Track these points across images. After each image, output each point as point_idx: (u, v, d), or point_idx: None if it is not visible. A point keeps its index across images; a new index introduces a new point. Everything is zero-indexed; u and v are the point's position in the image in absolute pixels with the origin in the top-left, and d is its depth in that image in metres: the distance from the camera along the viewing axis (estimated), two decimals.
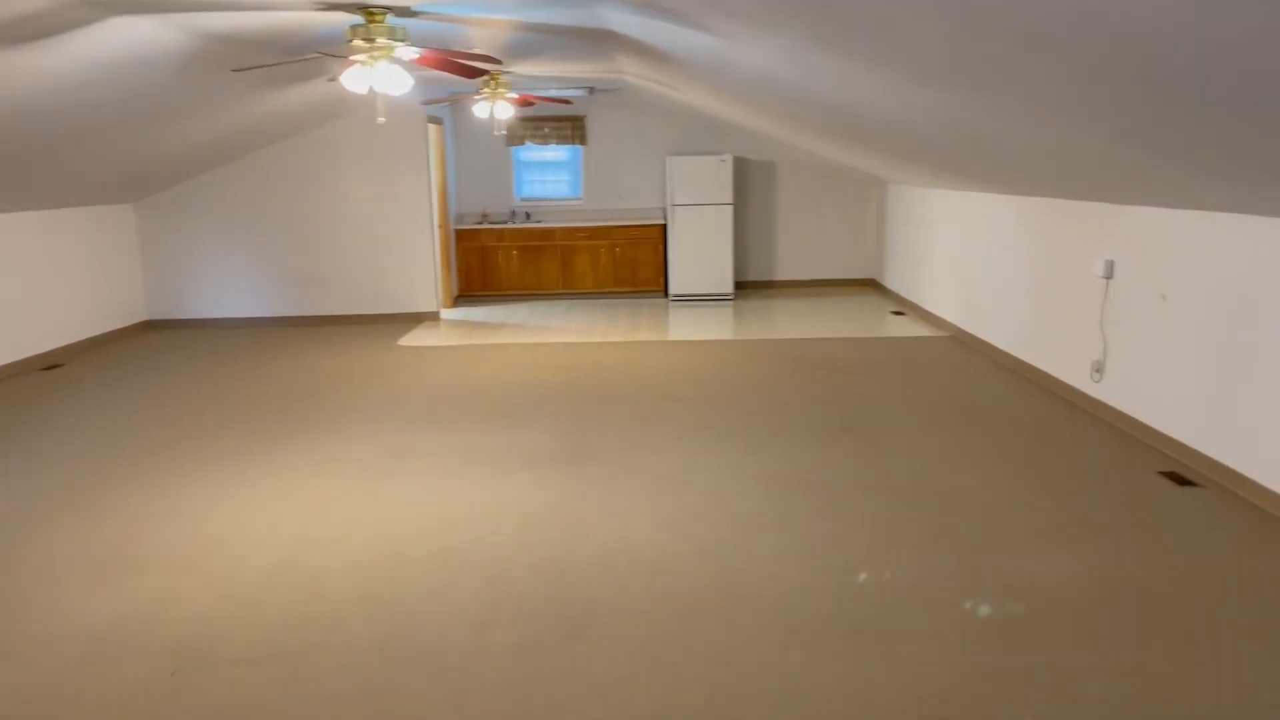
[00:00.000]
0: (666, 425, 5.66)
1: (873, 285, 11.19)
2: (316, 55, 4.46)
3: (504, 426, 5.72)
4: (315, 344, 8.53)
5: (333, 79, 5.27)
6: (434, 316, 9.64)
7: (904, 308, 9.72)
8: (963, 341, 7.97)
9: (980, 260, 7.63)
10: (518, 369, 7.33)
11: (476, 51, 4.34)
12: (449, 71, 4.62)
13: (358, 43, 4.32)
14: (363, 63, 4.37)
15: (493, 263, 10.71)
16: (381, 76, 4.37)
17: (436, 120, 9.88)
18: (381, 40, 4.30)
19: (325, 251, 9.48)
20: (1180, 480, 4.54)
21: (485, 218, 11.01)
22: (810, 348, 7.92)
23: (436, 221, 10.12)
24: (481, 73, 4.89)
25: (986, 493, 4.45)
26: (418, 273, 9.55)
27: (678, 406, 6.09)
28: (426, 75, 7.89)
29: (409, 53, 4.41)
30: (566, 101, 8.07)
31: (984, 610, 3.31)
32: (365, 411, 6.15)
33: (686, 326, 9.07)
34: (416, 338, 8.73)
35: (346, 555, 3.92)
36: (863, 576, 3.59)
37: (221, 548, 4.02)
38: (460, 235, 10.67)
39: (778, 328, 8.91)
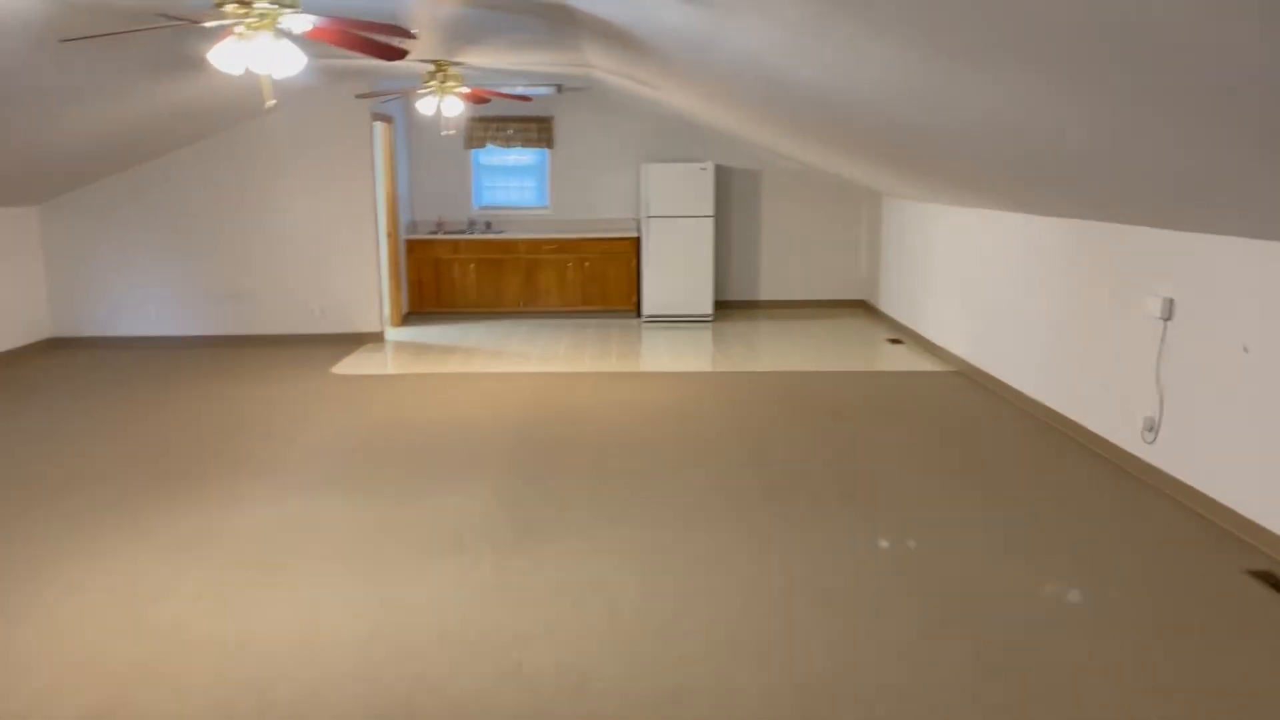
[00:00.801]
0: (632, 492, 4.66)
1: (864, 308, 10.25)
2: (166, 22, 3.43)
3: (435, 489, 4.69)
4: (237, 370, 7.46)
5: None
6: (378, 338, 8.59)
7: (901, 334, 8.78)
8: (972, 379, 7.03)
9: (996, 288, 6.69)
10: (464, 407, 6.31)
11: (386, 23, 3.33)
12: (354, 49, 3.60)
13: (230, 8, 3.29)
14: (239, 35, 3.34)
15: (447, 277, 9.67)
16: (263, 53, 3.34)
17: (385, 118, 8.85)
18: (262, 6, 3.28)
19: (255, 263, 8.42)
20: (1277, 585, 3.59)
21: (440, 227, 9.98)
22: (800, 382, 6.95)
23: (384, 230, 9.08)
24: (396, 52, 3.88)
25: (1034, 603, 3.48)
26: (360, 288, 8.51)
27: (647, 463, 5.09)
28: (369, 66, 6.86)
29: (300, 23, 3.39)
30: (526, 99, 7.07)
31: None
32: (270, 465, 5.11)
33: (661, 354, 8.08)
34: (354, 364, 7.68)
35: (192, 696, 2.89)
36: None
37: (17, 679, 2.97)
38: (412, 246, 9.63)
39: (763, 357, 7.93)
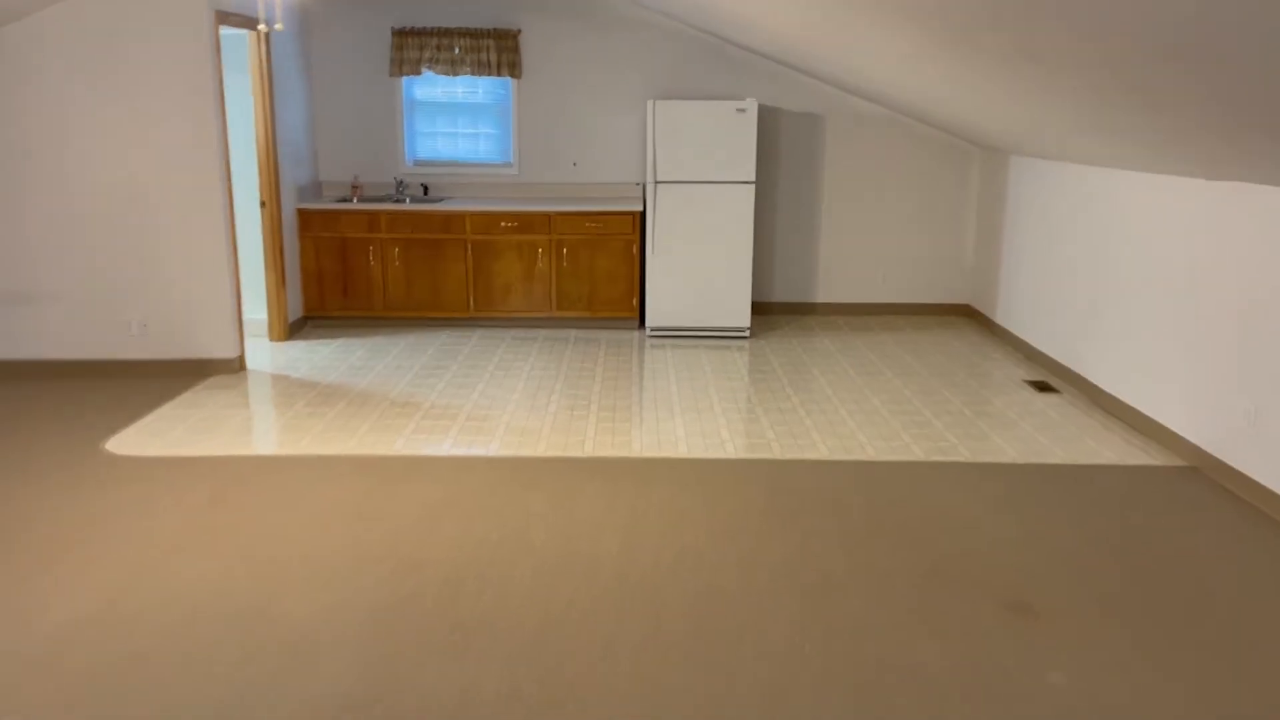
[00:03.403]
0: None
1: (969, 317, 7.11)
2: None
3: None
4: None
5: None
6: (231, 366, 5.52)
7: (1043, 370, 5.65)
8: (1223, 485, 3.92)
9: (1271, 321, 3.56)
10: (285, 561, 3.26)
11: None
12: None
13: None
14: None
15: (361, 265, 6.57)
16: None
17: (248, 20, 5.67)
18: None
19: (32, 248, 5.33)
20: None
21: (356, 192, 6.86)
22: (911, 493, 3.87)
23: (257, 196, 5.98)
24: None
25: None
26: (202, 289, 5.43)
27: None
28: None
29: None
30: None
31: None
32: None
33: (670, 408, 4.99)
34: (156, 428, 4.63)
35: None
36: None
37: None
38: (308, 220, 6.51)
39: (838, 423, 4.84)
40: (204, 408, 4.90)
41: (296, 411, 4.86)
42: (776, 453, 4.39)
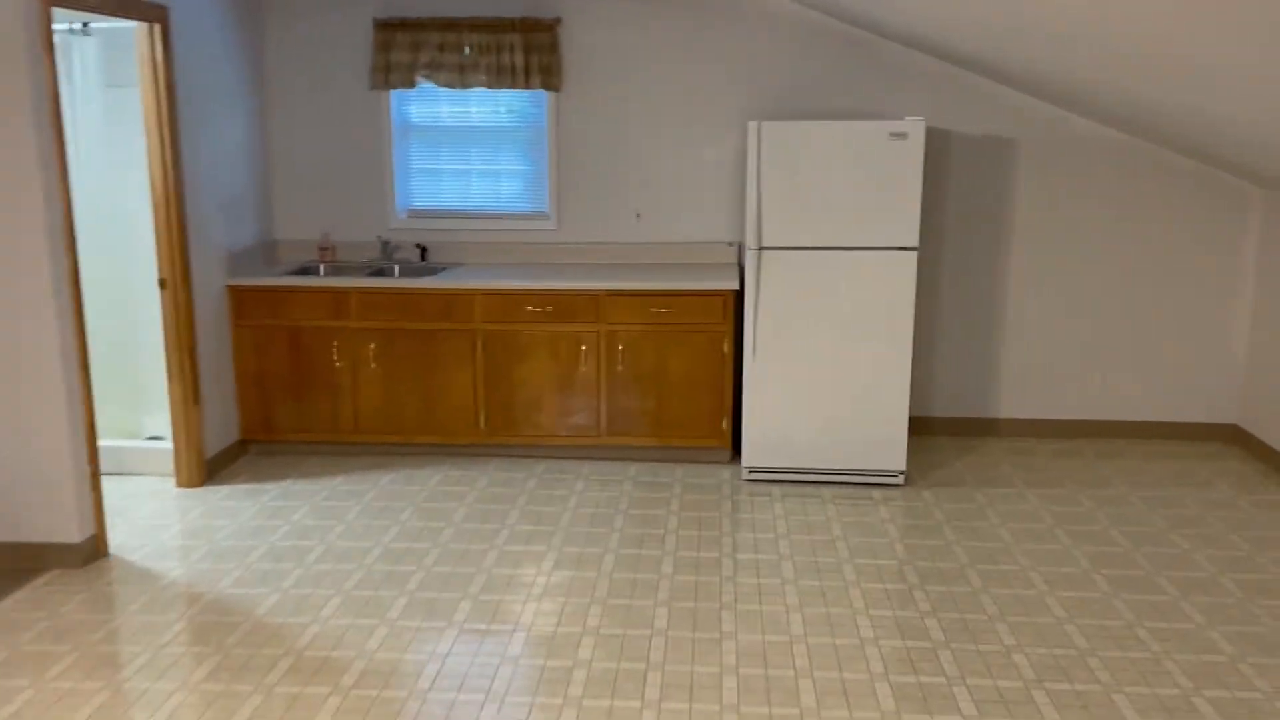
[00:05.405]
0: None
1: (1241, 443, 4.65)
2: None
3: None
4: None
5: None
6: (79, 554, 3.41)
7: None
8: None
9: None
10: None
11: None
12: None
13: None
14: None
15: (320, 367, 4.44)
16: None
17: (132, 6, 3.59)
18: None
19: None
20: None
21: (325, 256, 4.76)
22: None
23: (161, 273, 3.94)
24: None
25: None
26: (25, 432, 3.34)
27: None
28: None
29: None
30: None
31: None
32: None
33: (790, 653, 2.68)
34: None
35: None
36: None
37: None
38: (243, 301, 4.41)
39: (1085, 690, 2.48)
40: None
41: (117, 688, 2.71)
42: None
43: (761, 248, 4.04)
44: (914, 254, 3.98)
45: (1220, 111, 3.33)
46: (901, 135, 3.91)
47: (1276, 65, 2.54)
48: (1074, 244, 4.61)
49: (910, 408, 4.64)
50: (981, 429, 4.82)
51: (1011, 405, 4.79)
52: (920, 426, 4.80)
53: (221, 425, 4.36)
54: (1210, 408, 4.70)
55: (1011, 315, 4.71)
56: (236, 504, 3.98)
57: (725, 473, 4.34)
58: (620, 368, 4.34)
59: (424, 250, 4.77)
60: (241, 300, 4.39)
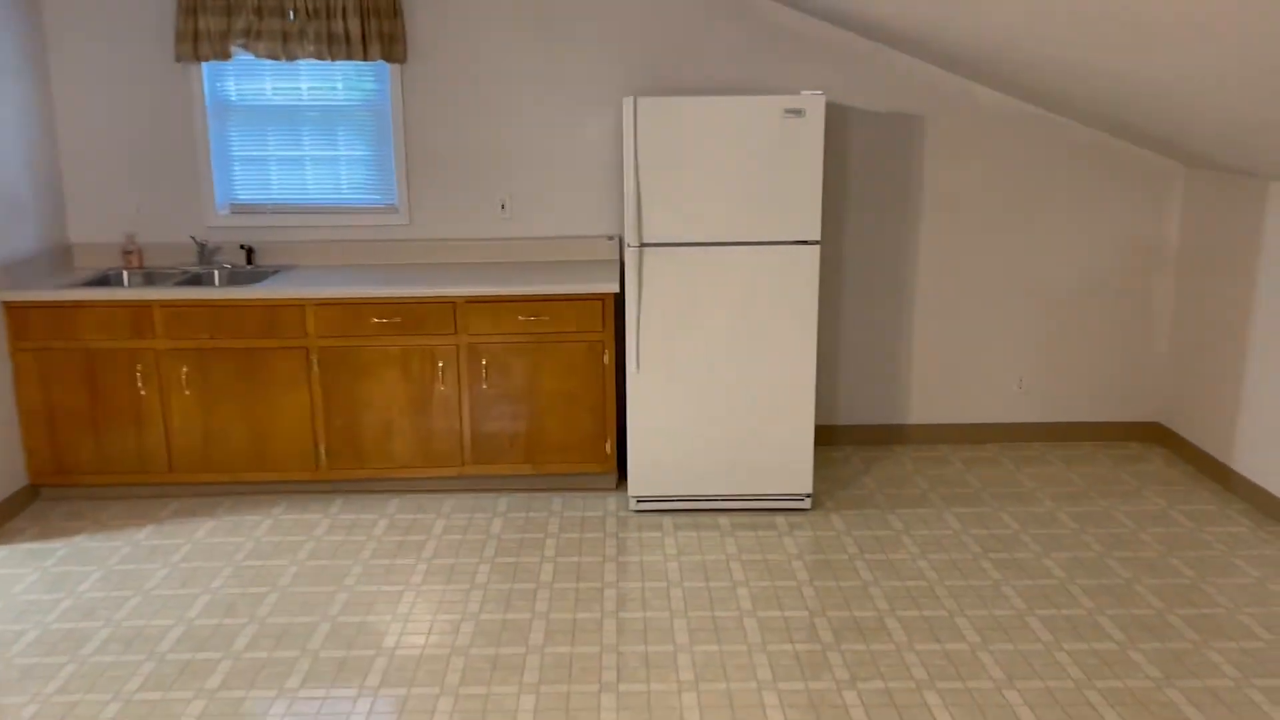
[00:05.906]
0: None
1: (1159, 439, 4.31)
2: None
3: None
4: None
5: None
6: None
7: None
8: None
9: None
10: None
11: None
12: None
13: None
14: None
15: (122, 396, 3.70)
16: None
17: None
18: None
19: None
20: None
21: (131, 260, 4.01)
22: None
23: None
24: None
25: None
26: None
27: None
28: None
29: None
30: None
31: None
32: None
33: (675, 670, 2.18)
34: None
35: None
36: None
37: None
38: (22, 319, 3.63)
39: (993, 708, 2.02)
40: None
41: None
42: None
43: (643, 244, 3.47)
44: (816, 248, 3.48)
45: (1154, 76, 2.91)
46: (798, 112, 3.39)
47: (1228, 19, 2.09)
48: (986, 234, 4.19)
49: (819, 415, 4.17)
50: (889, 436, 4.37)
51: (921, 410, 4.35)
52: (824, 436, 4.33)
53: (2, 469, 3.59)
54: (1131, 405, 4.35)
55: (918, 311, 4.26)
56: (11, 571, 3.24)
57: (611, 502, 3.79)
58: (485, 386, 3.73)
59: (250, 252, 4.06)
60: (22, 319, 3.62)
